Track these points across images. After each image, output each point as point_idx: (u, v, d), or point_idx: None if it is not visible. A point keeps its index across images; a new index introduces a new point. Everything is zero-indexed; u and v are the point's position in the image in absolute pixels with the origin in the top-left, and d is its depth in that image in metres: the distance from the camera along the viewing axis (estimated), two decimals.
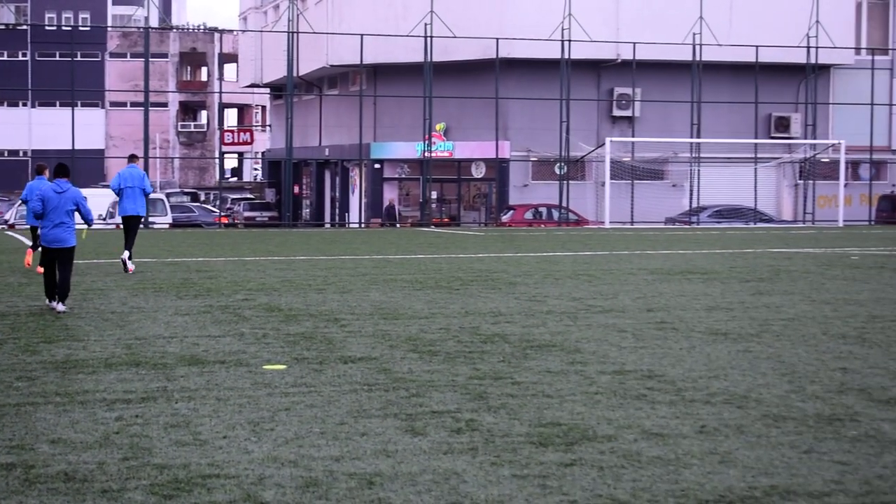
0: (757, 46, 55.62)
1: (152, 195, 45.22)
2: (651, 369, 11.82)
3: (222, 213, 59.94)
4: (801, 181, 59.24)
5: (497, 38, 53.64)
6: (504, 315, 16.46)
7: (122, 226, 25.25)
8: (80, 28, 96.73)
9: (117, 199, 25.50)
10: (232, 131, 73.70)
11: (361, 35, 53.30)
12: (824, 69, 59.64)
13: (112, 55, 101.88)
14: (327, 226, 62.31)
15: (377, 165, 58.99)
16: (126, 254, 23.83)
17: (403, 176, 60.43)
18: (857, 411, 9.79)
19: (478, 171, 59.22)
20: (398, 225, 54.39)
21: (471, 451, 8.29)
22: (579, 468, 7.84)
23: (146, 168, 50.10)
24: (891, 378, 11.39)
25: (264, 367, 11.86)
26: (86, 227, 18.30)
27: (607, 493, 7.25)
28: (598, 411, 9.70)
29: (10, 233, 41.98)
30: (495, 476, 7.62)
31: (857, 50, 61.17)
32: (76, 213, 17.34)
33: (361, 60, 53.93)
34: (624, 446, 8.48)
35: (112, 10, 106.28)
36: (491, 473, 7.69)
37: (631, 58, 55.15)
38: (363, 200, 60.36)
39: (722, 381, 11.20)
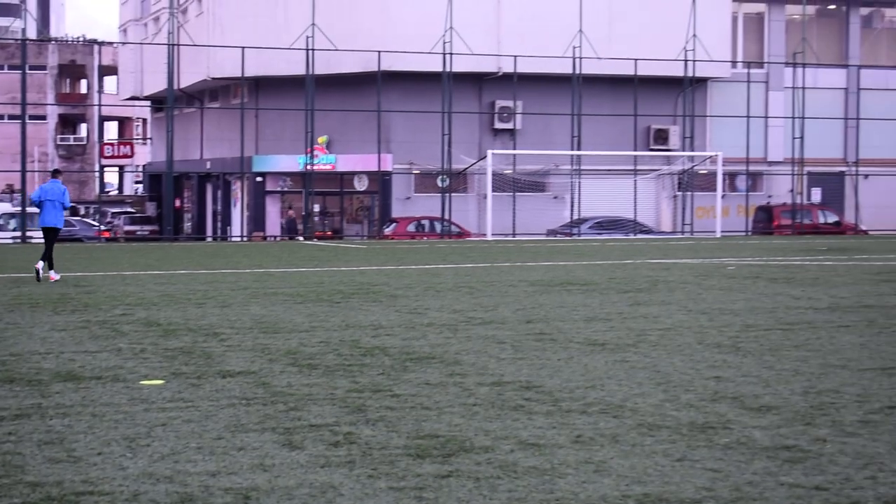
0: (635, 60, 56.34)
1: (29, 209, 44.74)
2: (529, 380, 11.91)
3: (103, 228, 59.25)
4: (680, 193, 60.07)
5: (379, 51, 53.71)
6: (384, 328, 16.48)
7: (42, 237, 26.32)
8: None
9: (38, 210, 26.65)
10: (112, 144, 73.15)
11: (243, 48, 53.08)
12: (701, 82, 60.56)
13: None
14: (209, 239, 61.89)
15: (259, 178, 58.78)
16: (40, 263, 24.70)
17: (286, 189, 60.24)
18: (730, 419, 9.95)
19: (360, 184, 59.24)
20: (301, 238, 53.99)
21: (348, 464, 8.30)
22: (456, 480, 7.88)
23: (23, 182, 49.38)
24: (763, 386, 11.59)
25: (142, 382, 11.76)
26: None
27: None
28: (475, 423, 9.75)
29: None
30: (372, 489, 7.63)
31: (734, 63, 62.20)
32: None
33: (243, 73, 53.69)
34: (500, 457, 8.53)
35: None
36: (367, 486, 7.70)
37: (512, 71, 55.54)
38: (245, 214, 60.08)
39: (598, 390, 11.32)
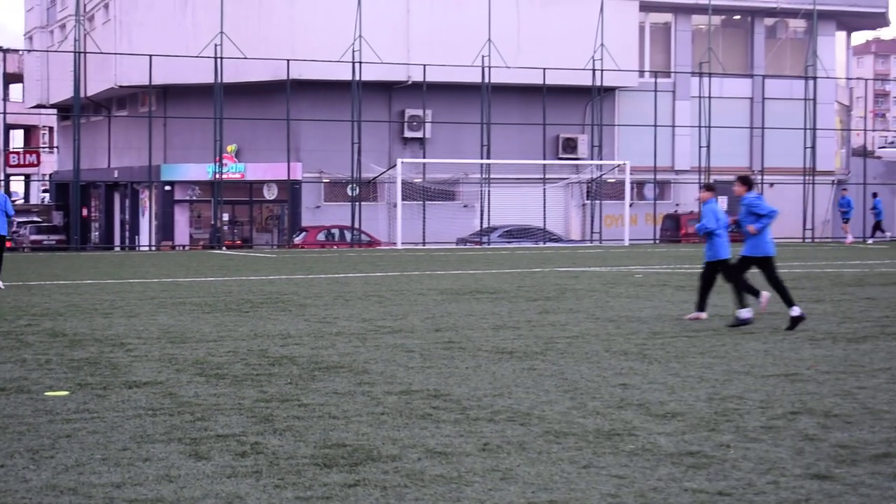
0: (544, 69, 56.63)
1: None
2: (437, 389, 11.94)
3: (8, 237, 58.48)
4: (589, 201, 60.46)
5: (288, 60, 53.55)
6: (293, 337, 16.44)
7: None
8: None
9: None
10: (18, 153, 72.12)
11: (150, 55, 52.66)
12: (609, 91, 61.03)
13: None
14: (117, 249, 61.32)
15: (168, 187, 58.39)
16: None
17: (194, 198, 59.88)
18: (636, 426, 10.04)
19: (270, 193, 59.04)
20: (224, 248, 53.44)
21: (255, 473, 8.27)
22: (363, 489, 7.89)
23: None
24: (668, 393, 11.71)
25: (46, 393, 11.64)
26: None
27: None
28: (383, 431, 9.76)
29: None
30: (278, 498, 7.61)
31: (641, 73, 62.74)
32: None
33: (150, 81, 53.25)
34: (408, 465, 8.55)
35: None
36: (274, 496, 7.68)
37: (422, 79, 55.62)
38: (153, 223, 59.61)
39: (506, 398, 11.37)
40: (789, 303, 17.55)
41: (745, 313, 17.87)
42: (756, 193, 18.47)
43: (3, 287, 25.15)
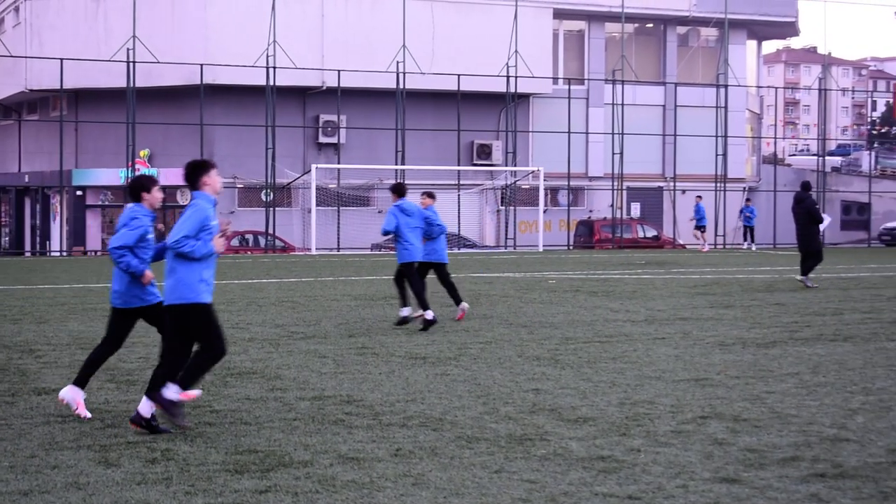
0: (459, 75, 56.73)
1: None
2: (350, 394, 11.93)
3: None
4: (503, 207, 60.62)
5: (201, 65, 53.20)
6: None
7: None
8: None
9: None
10: None
11: (61, 59, 52.08)
12: (524, 98, 61.26)
13: None
14: (27, 254, 60.55)
15: (79, 192, 57.76)
16: None
17: (107, 203, 59.32)
18: (547, 430, 10.09)
19: (183, 198, 58.59)
20: None
21: (165, 480, 8.22)
22: (274, 495, 7.87)
23: None
24: (580, 398, 11.78)
25: None
26: None
27: None
28: (295, 437, 9.74)
29: None
30: None
31: (555, 80, 63.04)
32: None
33: (62, 85, 52.66)
34: (319, 471, 8.54)
35: None
36: (184, 503, 7.64)
37: (336, 85, 55.52)
38: (65, 228, 58.98)
39: (419, 404, 11.39)
40: (424, 306, 18.72)
41: (405, 311, 19.22)
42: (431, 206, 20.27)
43: None
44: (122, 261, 10.60)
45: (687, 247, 60.17)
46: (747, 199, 57.97)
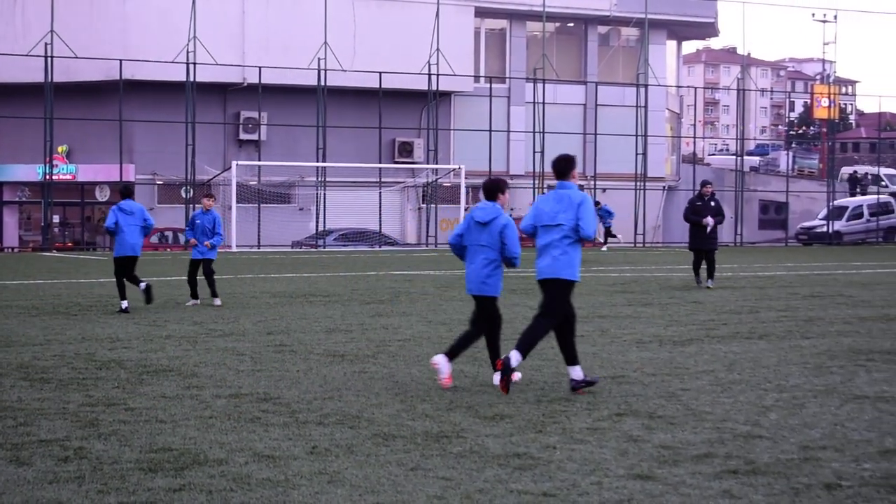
0: (380, 73, 56.70)
1: None
2: (267, 392, 11.88)
3: None
4: (424, 205, 60.67)
5: (121, 60, 52.78)
6: (122, 341, 16.22)
7: None
8: None
9: None
10: None
11: None
12: (445, 96, 61.35)
13: None
14: None
15: None
16: None
17: (24, 199, 58.69)
18: (464, 428, 10.10)
19: (102, 195, 58.12)
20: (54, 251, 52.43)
21: (77, 479, 8.14)
22: (188, 493, 7.82)
23: None
24: (497, 395, 11.80)
25: None
26: None
27: None
28: (210, 435, 9.68)
29: None
30: None
31: (476, 78, 63.18)
32: None
33: None
34: (234, 469, 8.50)
35: None
36: (97, 501, 7.57)
37: (257, 82, 55.29)
38: None
39: (336, 401, 11.36)
40: (194, 295, 22.52)
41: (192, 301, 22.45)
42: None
43: None
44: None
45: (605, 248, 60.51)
46: (597, 202, 56.47)
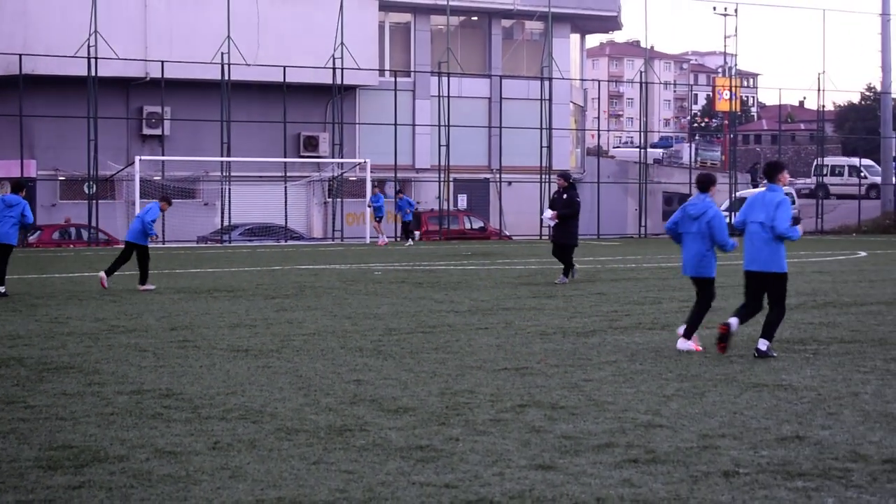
0: (284, 67, 56.46)
1: None
2: (169, 388, 11.81)
3: None
4: (330, 199, 60.52)
5: (20, 55, 52.07)
6: (22, 338, 16.03)
7: None
8: None
9: None
10: None
11: None
12: (350, 90, 61.21)
13: None
14: None
15: None
16: None
17: None
18: (368, 421, 10.12)
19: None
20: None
21: None
22: (87, 490, 7.76)
23: None
24: (401, 388, 11.83)
25: None
26: None
27: None
28: (111, 432, 9.61)
29: None
30: None
31: (381, 72, 63.12)
32: None
33: None
34: (135, 466, 8.45)
35: None
36: None
37: (160, 76, 54.83)
38: None
39: (239, 396, 11.33)
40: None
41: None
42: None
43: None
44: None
45: (513, 238, 60.82)
46: (399, 191, 54.90)
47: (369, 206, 51.68)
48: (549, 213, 26.51)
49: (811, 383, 12.19)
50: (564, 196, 26.21)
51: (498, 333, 16.58)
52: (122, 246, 27.25)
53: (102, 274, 25.12)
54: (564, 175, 27.04)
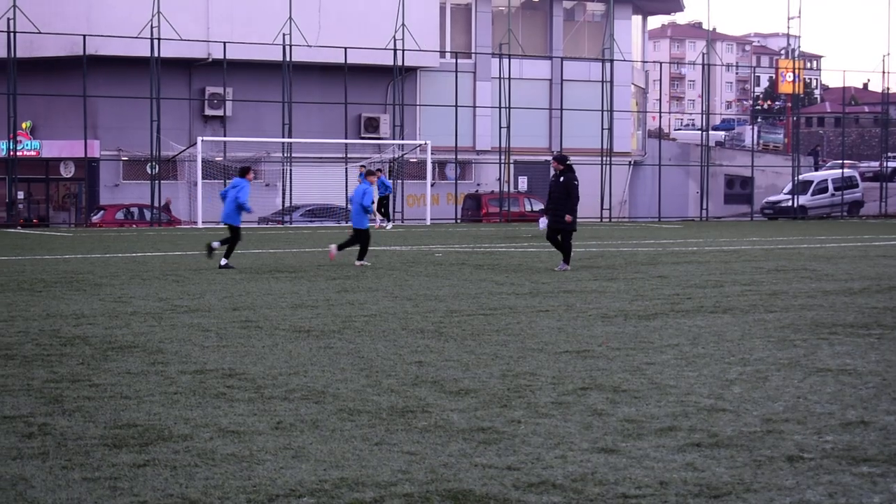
0: (346, 48, 56.55)
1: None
2: (232, 368, 11.87)
3: None
4: (391, 181, 60.61)
5: (84, 35, 52.47)
6: (87, 317, 16.16)
7: None
8: None
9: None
10: None
11: None
12: (411, 71, 61.25)
13: None
14: None
15: None
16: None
17: None
18: (429, 402, 10.12)
19: (67, 171, 57.84)
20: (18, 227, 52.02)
21: (41, 455, 8.12)
22: (152, 469, 7.81)
23: None
24: (463, 370, 11.82)
25: None
26: None
27: (178, 493, 7.25)
28: (175, 411, 9.67)
29: None
30: (65, 480, 7.50)
31: (442, 53, 63.10)
32: None
33: None
34: (199, 445, 8.49)
35: None
36: (61, 477, 7.55)
37: (222, 57, 55.07)
38: None
39: (301, 377, 11.36)
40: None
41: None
42: None
43: None
44: None
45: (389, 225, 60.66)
46: (378, 170, 50.48)
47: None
48: (543, 221, 26.17)
49: (876, 368, 12.07)
50: (561, 179, 24.82)
51: (559, 316, 16.55)
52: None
53: (332, 247, 27.05)
54: (560, 158, 25.45)
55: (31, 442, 8.52)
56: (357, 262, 25.92)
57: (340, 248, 26.70)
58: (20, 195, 56.76)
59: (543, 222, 25.94)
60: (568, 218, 24.45)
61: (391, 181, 49.99)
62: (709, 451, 8.41)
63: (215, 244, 25.76)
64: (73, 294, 19.42)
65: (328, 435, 8.85)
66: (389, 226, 47.25)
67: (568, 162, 25.25)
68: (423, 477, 7.69)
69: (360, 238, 26.44)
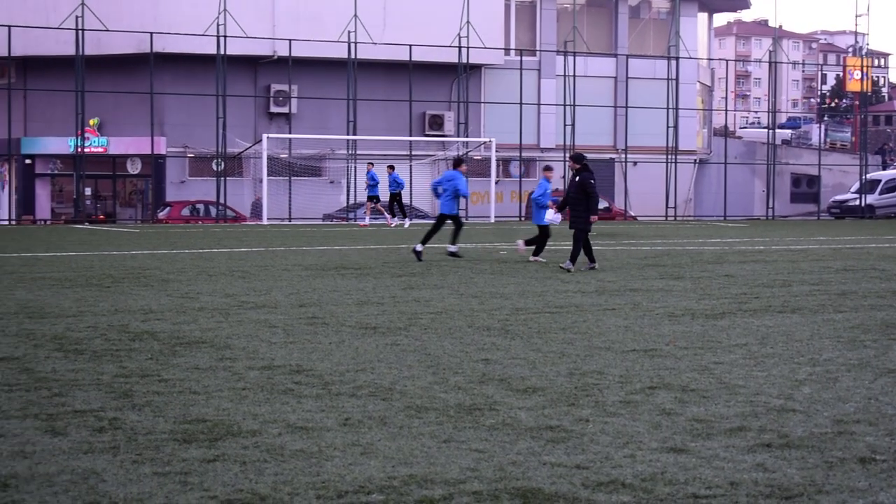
0: (410, 45, 56.62)
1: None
2: (300, 364, 11.90)
3: None
4: (403, 179, 60.57)
5: (151, 33, 52.84)
6: (155, 312, 16.26)
7: None
8: None
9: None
10: None
11: (9, 26, 51.60)
12: (476, 69, 61.23)
13: None
14: None
15: (28, 161, 57.36)
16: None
17: (56, 172, 58.91)
18: (497, 400, 10.10)
19: (133, 167, 58.30)
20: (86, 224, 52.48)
21: (112, 449, 8.18)
22: (222, 464, 7.85)
23: None
24: (530, 368, 11.80)
25: None
26: None
27: (248, 488, 7.28)
28: (244, 407, 9.71)
29: None
30: (136, 474, 7.54)
31: (507, 51, 63.04)
32: None
33: (10, 52, 52.18)
34: (268, 440, 8.52)
35: None
36: (131, 472, 7.60)
37: (287, 55, 55.29)
38: (14, 197, 58.55)
39: (368, 373, 11.38)
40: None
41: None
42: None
43: None
44: None
45: (638, 218, 60.44)
46: (391, 166, 48.93)
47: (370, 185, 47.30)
48: (551, 213, 26.41)
49: None
50: (577, 178, 24.66)
51: (626, 314, 16.48)
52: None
53: (520, 242, 27.78)
54: (576, 157, 25.14)
55: (102, 436, 8.58)
56: (532, 258, 27.02)
57: (528, 244, 27.44)
58: (87, 191, 57.25)
59: (551, 214, 26.20)
60: (594, 218, 24.54)
61: (403, 179, 49.28)
62: (779, 452, 8.34)
63: (452, 248, 27.84)
64: (140, 290, 19.56)
65: (396, 432, 8.85)
66: (407, 223, 46.96)
67: (584, 161, 24.99)
68: (491, 475, 7.67)
69: (542, 234, 27.19)
